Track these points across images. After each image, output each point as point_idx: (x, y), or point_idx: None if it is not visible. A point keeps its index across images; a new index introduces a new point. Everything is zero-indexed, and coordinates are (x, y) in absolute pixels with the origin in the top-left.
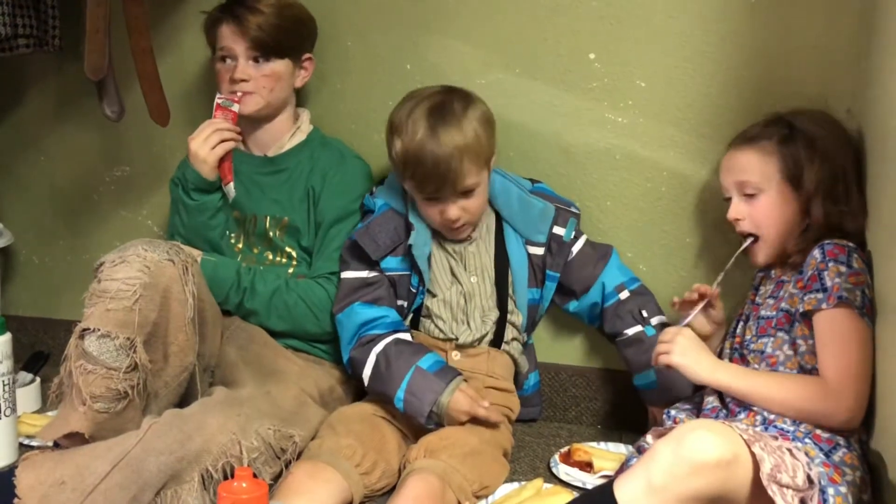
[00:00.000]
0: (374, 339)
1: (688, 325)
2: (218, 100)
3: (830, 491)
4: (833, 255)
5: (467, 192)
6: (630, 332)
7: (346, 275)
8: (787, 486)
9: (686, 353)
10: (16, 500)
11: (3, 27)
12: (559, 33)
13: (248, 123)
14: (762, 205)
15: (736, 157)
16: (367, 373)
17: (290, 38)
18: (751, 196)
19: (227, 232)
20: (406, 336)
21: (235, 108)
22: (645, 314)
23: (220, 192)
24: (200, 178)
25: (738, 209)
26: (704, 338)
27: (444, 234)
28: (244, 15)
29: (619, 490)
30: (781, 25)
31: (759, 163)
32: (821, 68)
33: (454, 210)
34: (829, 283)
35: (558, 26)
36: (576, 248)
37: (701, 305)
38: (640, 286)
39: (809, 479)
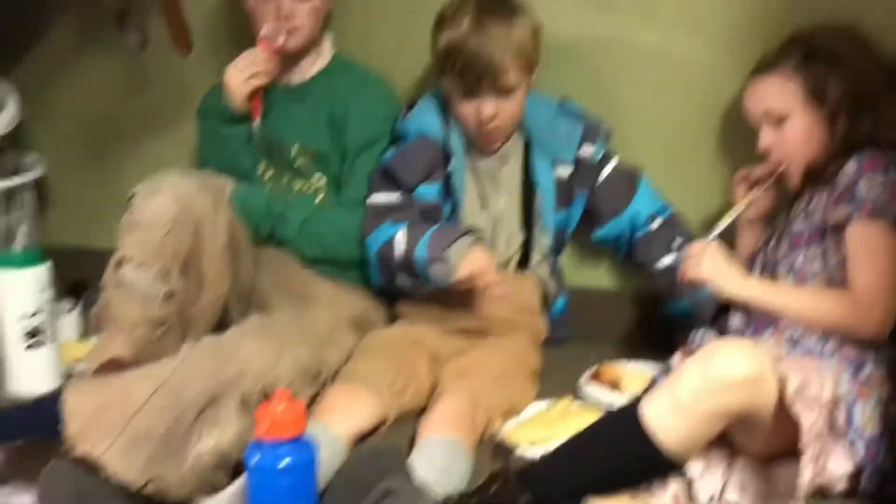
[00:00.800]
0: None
1: (717, 239)
2: (263, 32)
3: (858, 407)
4: (870, 166)
5: (506, 92)
6: (666, 261)
7: (375, 199)
8: (814, 403)
9: (715, 267)
10: (63, 425)
11: None
12: None
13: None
14: (791, 130)
15: (757, 87)
16: (399, 242)
17: None
18: (778, 123)
19: (256, 162)
20: None
21: (281, 40)
22: (679, 242)
23: (250, 122)
24: (229, 111)
25: (767, 138)
26: (749, 221)
27: (476, 144)
28: None
29: (646, 408)
30: None
31: (780, 88)
32: None
33: (490, 106)
34: (862, 195)
35: None
36: (606, 172)
37: (772, 180)
38: (671, 214)
39: (836, 396)
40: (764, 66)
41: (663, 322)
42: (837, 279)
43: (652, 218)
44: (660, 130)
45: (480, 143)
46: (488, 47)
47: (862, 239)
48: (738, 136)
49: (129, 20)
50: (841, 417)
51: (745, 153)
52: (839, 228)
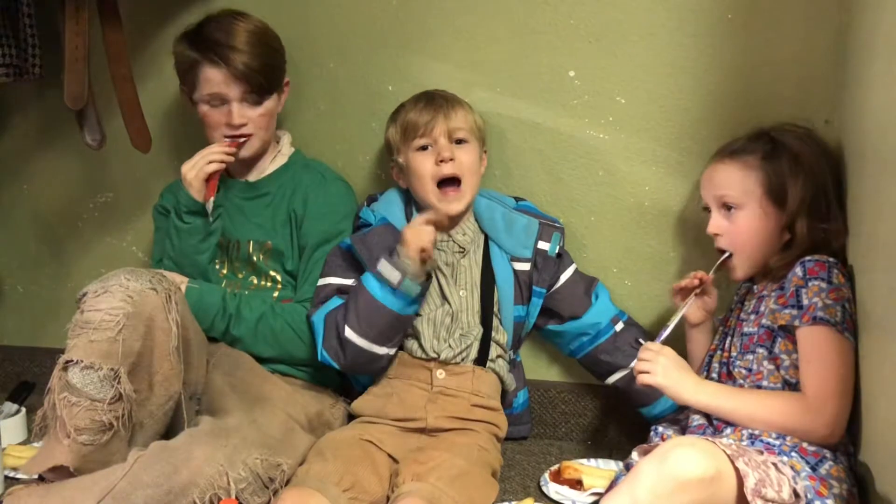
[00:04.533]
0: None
1: (668, 335)
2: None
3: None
4: (814, 272)
5: (460, 142)
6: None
7: (328, 281)
8: (773, 501)
9: (668, 374)
10: None
11: None
12: (539, 52)
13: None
14: (741, 220)
15: (717, 171)
16: (353, 311)
17: (276, 73)
18: (730, 210)
19: (214, 257)
20: None
21: (233, 149)
22: (642, 341)
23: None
24: (191, 200)
25: (717, 224)
26: (694, 325)
27: (438, 209)
28: (232, 57)
29: None
30: (759, 39)
31: (740, 178)
32: (799, 80)
33: (446, 148)
34: (805, 302)
35: (538, 45)
36: (565, 276)
37: (694, 294)
38: (629, 318)
39: (795, 493)
40: (727, 153)
41: (625, 415)
42: (792, 380)
43: (615, 321)
44: (609, 226)
45: (442, 200)
46: (435, 102)
47: (810, 344)
48: (685, 232)
49: (89, 118)
50: None
51: (692, 248)
52: (786, 331)
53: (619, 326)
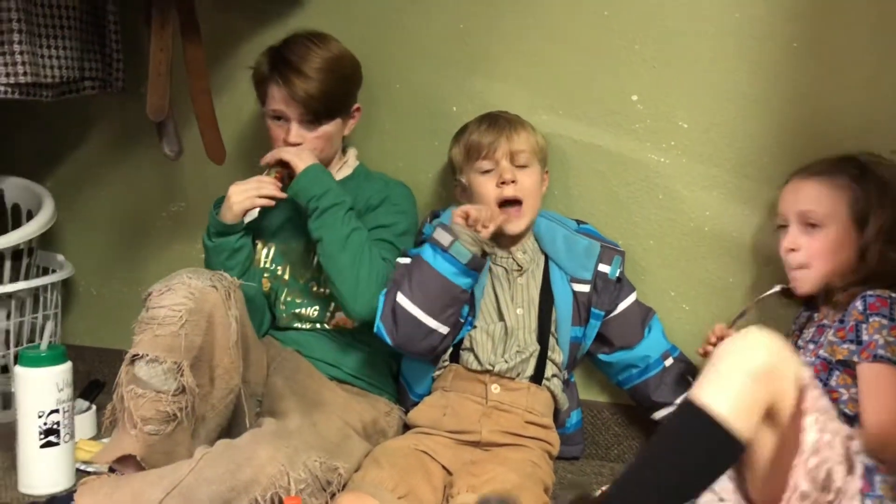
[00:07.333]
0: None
1: None
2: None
3: (878, 478)
4: (875, 308)
5: (521, 167)
6: (681, 400)
7: (401, 260)
8: (831, 430)
9: None
10: None
11: (71, 70)
12: (602, 75)
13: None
14: (822, 239)
15: (805, 187)
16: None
17: (340, 101)
18: (811, 227)
19: (274, 265)
20: None
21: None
22: (691, 379)
23: (237, 234)
24: (218, 222)
25: (796, 239)
26: None
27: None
28: (294, 80)
29: (694, 392)
30: (824, 67)
31: (829, 196)
32: (865, 109)
33: (509, 173)
34: (865, 338)
35: (601, 68)
36: (624, 304)
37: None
38: (681, 353)
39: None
40: (815, 171)
41: None
42: (850, 413)
43: (665, 355)
44: (668, 250)
45: (502, 222)
46: (498, 124)
47: (872, 380)
48: (744, 258)
49: (168, 130)
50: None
51: (751, 274)
52: (845, 365)
53: (669, 362)
